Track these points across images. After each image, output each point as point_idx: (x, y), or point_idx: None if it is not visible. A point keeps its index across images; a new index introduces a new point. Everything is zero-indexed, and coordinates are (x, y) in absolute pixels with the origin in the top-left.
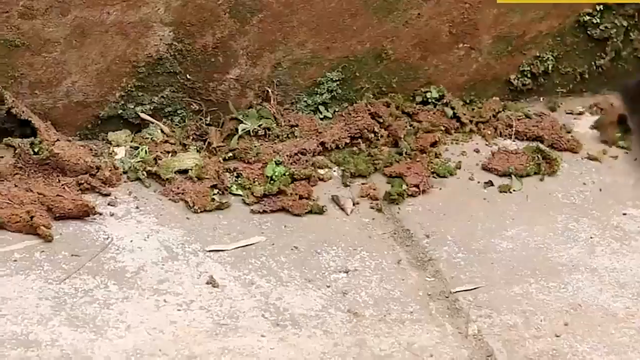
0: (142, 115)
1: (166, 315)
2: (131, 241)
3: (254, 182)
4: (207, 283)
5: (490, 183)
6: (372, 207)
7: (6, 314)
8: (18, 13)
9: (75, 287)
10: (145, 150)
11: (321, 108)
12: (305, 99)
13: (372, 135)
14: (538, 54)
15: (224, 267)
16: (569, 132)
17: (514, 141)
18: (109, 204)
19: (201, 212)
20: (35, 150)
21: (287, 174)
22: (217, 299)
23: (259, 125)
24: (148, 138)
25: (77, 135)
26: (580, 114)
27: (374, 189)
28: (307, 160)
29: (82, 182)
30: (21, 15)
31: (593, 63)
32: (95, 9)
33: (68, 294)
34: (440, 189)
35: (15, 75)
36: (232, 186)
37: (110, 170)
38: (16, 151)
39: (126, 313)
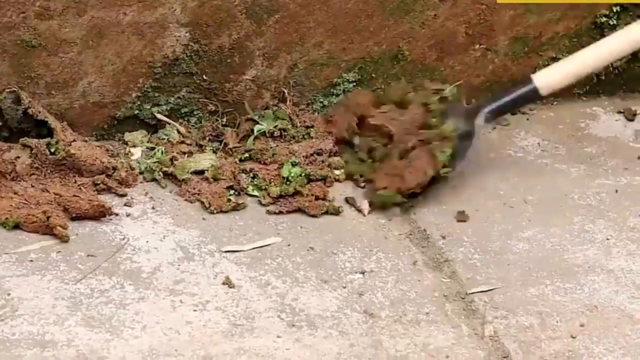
0: (159, 116)
1: (182, 315)
2: (147, 242)
3: (270, 183)
4: (223, 284)
5: None
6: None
7: (22, 314)
8: (35, 13)
9: (91, 288)
10: (162, 151)
11: None
12: (322, 100)
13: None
14: (554, 55)
15: (240, 268)
16: None
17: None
18: (125, 205)
19: (217, 212)
20: (52, 150)
21: (303, 174)
22: (233, 300)
23: (275, 126)
24: (164, 139)
25: (93, 136)
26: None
27: None
28: (323, 161)
29: (99, 182)
30: (38, 15)
31: (609, 64)
32: (112, 9)
33: (84, 294)
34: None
35: (32, 76)
36: (248, 187)
37: (126, 170)
38: (32, 151)
39: (142, 313)
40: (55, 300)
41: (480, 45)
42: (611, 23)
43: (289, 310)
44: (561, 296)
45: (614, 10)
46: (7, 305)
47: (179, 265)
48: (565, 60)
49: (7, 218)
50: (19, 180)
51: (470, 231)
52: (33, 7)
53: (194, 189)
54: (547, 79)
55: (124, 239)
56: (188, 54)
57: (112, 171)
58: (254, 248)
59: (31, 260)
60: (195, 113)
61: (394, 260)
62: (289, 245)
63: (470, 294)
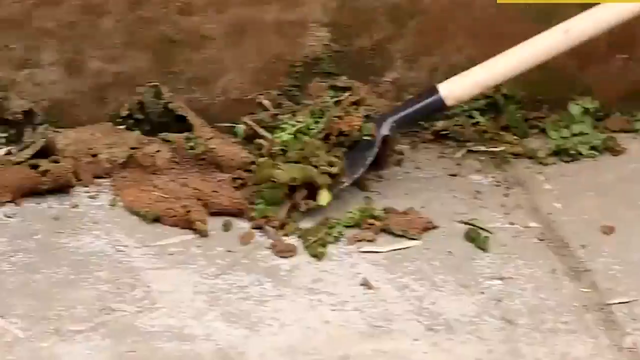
0: None
1: (320, 314)
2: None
3: None
4: (361, 284)
5: None
6: (527, 216)
7: (162, 307)
8: (176, 9)
9: (230, 283)
10: None
11: (475, 113)
12: (461, 104)
13: None
14: None
15: (378, 270)
16: None
17: None
18: None
19: None
20: (190, 145)
21: None
22: (371, 301)
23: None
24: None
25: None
26: None
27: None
28: None
29: (237, 178)
30: (179, 11)
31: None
32: (253, 7)
33: (223, 289)
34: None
35: (174, 71)
36: None
37: None
38: (172, 146)
39: (280, 311)
40: (194, 295)
41: (622, 55)
42: None
43: (427, 314)
44: None
45: None
46: (147, 297)
47: (317, 264)
48: (472, 70)
49: (147, 211)
50: (159, 174)
51: (610, 241)
52: (174, 3)
53: None
54: (452, 88)
55: (262, 236)
56: (328, 54)
57: (251, 166)
58: (393, 250)
59: (171, 254)
60: None
61: (532, 268)
62: (427, 248)
63: (609, 304)
